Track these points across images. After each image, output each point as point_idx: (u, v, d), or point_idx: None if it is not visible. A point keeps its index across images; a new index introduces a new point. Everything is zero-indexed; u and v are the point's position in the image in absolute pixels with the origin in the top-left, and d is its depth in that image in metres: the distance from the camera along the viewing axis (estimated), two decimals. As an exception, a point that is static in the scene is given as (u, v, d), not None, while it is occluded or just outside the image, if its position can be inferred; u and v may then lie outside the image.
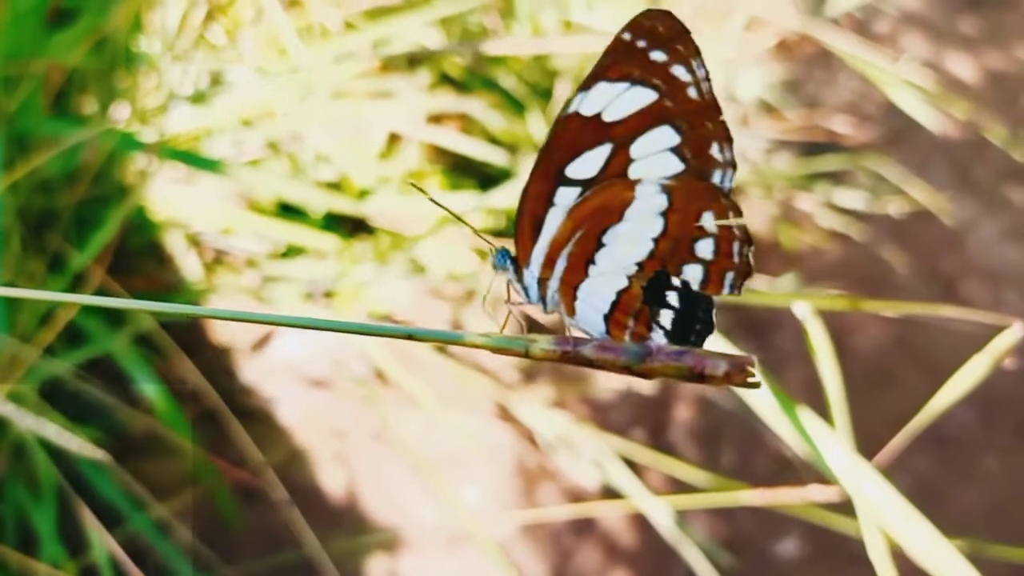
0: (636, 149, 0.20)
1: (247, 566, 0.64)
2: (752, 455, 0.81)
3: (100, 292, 0.58)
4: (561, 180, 0.21)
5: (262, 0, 0.74)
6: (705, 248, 0.21)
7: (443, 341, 0.18)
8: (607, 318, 0.21)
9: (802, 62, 1.16)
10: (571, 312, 0.22)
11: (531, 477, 0.78)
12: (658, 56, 0.20)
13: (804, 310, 0.38)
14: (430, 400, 0.73)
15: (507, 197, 0.81)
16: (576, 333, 0.22)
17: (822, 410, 0.42)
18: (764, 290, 0.89)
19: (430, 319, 0.82)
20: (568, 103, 0.20)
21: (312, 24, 0.79)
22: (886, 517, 0.40)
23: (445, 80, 0.87)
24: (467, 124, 0.86)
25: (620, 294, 0.21)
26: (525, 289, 0.22)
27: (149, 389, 0.62)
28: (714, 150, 0.20)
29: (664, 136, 0.20)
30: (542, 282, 0.22)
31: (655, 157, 0.20)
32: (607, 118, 0.20)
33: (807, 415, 0.40)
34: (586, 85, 0.20)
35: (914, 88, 0.86)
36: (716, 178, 0.20)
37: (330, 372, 0.78)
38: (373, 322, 0.79)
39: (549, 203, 0.21)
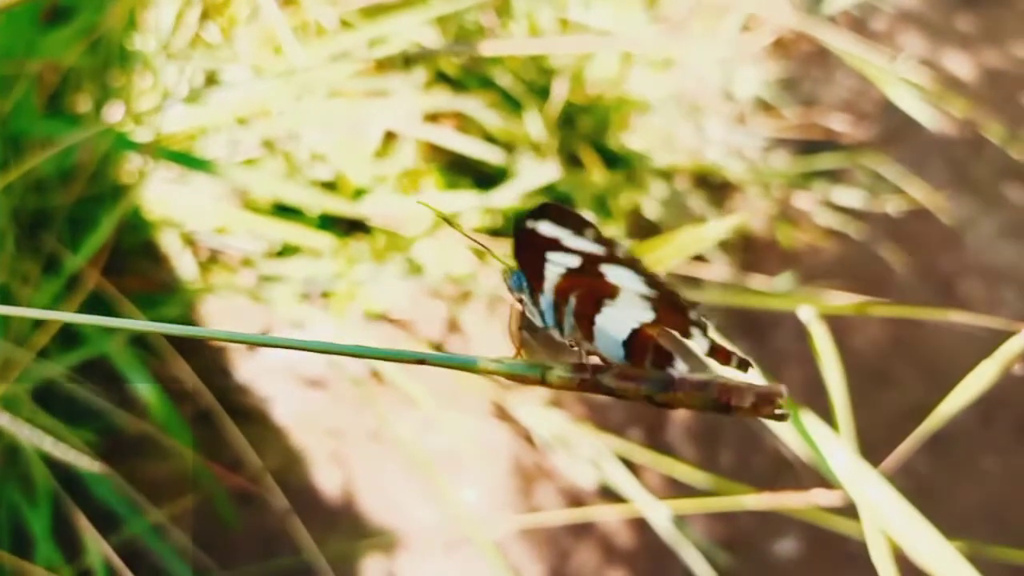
0: (605, 270, 0.20)
1: (244, 570, 0.64)
2: (750, 455, 0.81)
3: (95, 293, 0.58)
4: (546, 259, 0.20)
5: (257, -2, 0.73)
6: (701, 341, 0.21)
7: (456, 367, 0.18)
8: (627, 344, 0.21)
9: (799, 60, 1.16)
10: (589, 339, 0.21)
11: (528, 477, 0.77)
12: (590, 232, 0.19)
13: (808, 314, 0.38)
14: (427, 400, 0.73)
15: (505, 197, 0.80)
16: (594, 359, 0.21)
17: (823, 411, 0.42)
18: (763, 289, 0.89)
19: (427, 319, 0.81)
20: (523, 220, 0.20)
21: (308, 22, 0.79)
22: (888, 520, 0.40)
23: (441, 78, 0.87)
24: (463, 122, 0.85)
25: (635, 331, 0.21)
26: (541, 314, 0.21)
27: (144, 390, 0.61)
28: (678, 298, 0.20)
29: (626, 274, 0.20)
30: (558, 306, 0.21)
31: (625, 280, 0.20)
32: (566, 244, 0.20)
33: (809, 418, 0.40)
34: (534, 216, 0.20)
35: (912, 86, 0.86)
36: (691, 315, 0.20)
37: (326, 372, 0.78)
38: (370, 322, 0.79)
39: (544, 260, 0.20)
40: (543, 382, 0.18)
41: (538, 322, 0.22)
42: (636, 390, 0.19)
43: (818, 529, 0.73)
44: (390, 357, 0.18)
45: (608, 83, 0.91)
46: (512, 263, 0.21)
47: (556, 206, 0.19)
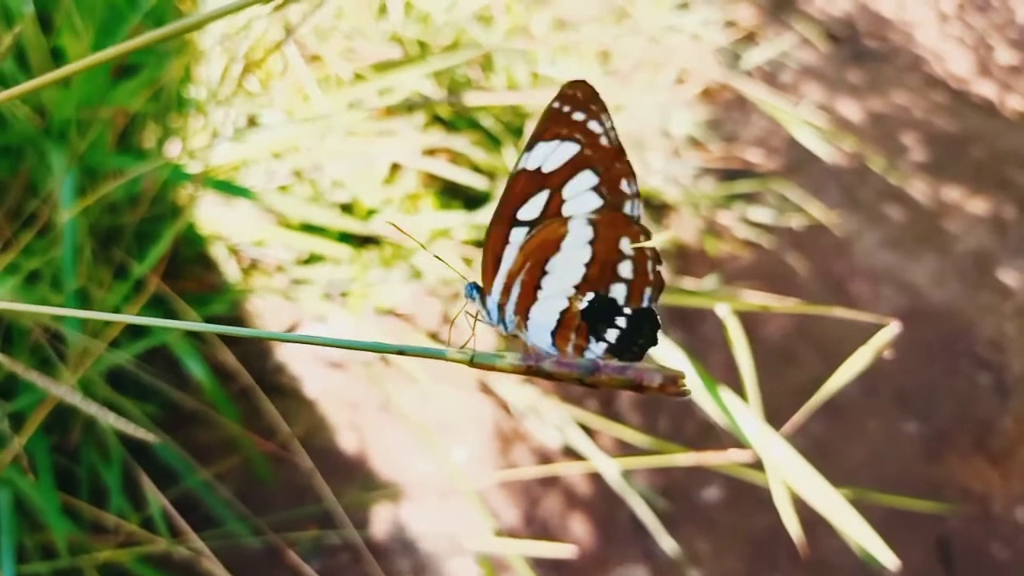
0: (567, 191, 0.21)
1: (277, 517, 0.64)
2: (683, 421, 0.81)
3: (156, 295, 0.57)
4: (514, 223, 0.21)
5: (289, 56, 0.73)
6: (626, 269, 0.21)
7: (428, 356, 0.18)
8: (554, 334, 0.21)
9: (722, 105, 1.16)
10: (525, 330, 0.22)
11: (506, 439, 0.77)
12: (578, 116, 0.20)
13: (724, 310, 0.38)
14: (425, 378, 0.73)
15: (488, 216, 0.80)
16: (534, 348, 0.22)
17: (739, 386, 0.42)
18: (692, 289, 0.89)
19: (426, 313, 0.81)
20: (517, 162, 0.20)
21: (329, 75, 0.79)
22: (789, 472, 0.40)
23: (437, 120, 0.87)
24: (454, 156, 0.85)
25: (563, 314, 0.21)
26: (488, 313, 0.22)
27: (197, 372, 0.61)
28: (623, 185, 0.21)
29: (586, 178, 0.20)
30: (501, 307, 0.22)
31: (581, 196, 0.21)
32: (545, 170, 0.21)
33: (726, 393, 0.40)
34: (529, 146, 0.21)
35: (811, 126, 0.87)
36: (628, 208, 0.21)
37: (344, 356, 0.77)
38: (380, 316, 0.79)
39: (506, 242, 0.21)
40: (496, 368, 0.18)
41: (486, 321, 0.22)
42: (570, 374, 0.19)
43: (736, 480, 0.73)
44: (375, 349, 0.18)
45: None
46: (469, 279, 0.22)
47: (576, 80, 0.20)
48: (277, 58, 0.75)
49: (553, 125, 0.20)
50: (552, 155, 0.20)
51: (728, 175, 1.05)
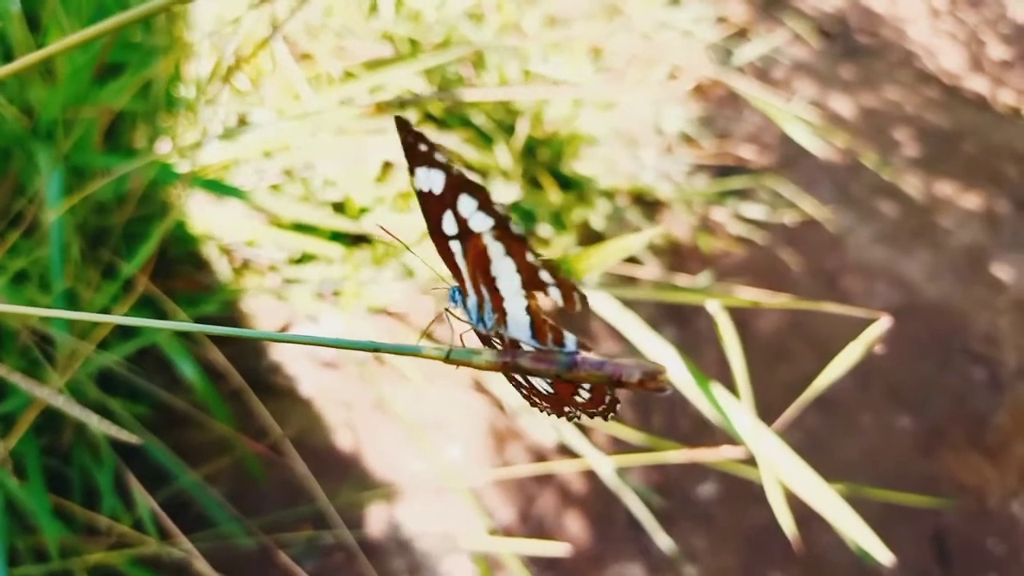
0: (462, 211, 0.20)
1: (269, 518, 0.63)
2: (677, 417, 0.81)
3: (145, 295, 0.57)
4: (445, 237, 0.20)
5: (278, 54, 0.73)
6: (547, 276, 0.20)
7: (403, 354, 0.17)
8: (531, 325, 0.21)
9: (715, 102, 1.16)
10: (504, 325, 0.21)
11: (501, 437, 0.77)
12: (424, 147, 0.19)
13: (715, 306, 0.38)
14: (418, 376, 0.73)
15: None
16: (520, 342, 0.21)
17: (732, 383, 0.42)
18: (685, 285, 0.89)
19: (418, 312, 0.81)
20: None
21: (320, 73, 0.78)
22: (782, 468, 0.40)
23: (429, 118, 0.87)
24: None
25: (528, 309, 0.20)
26: (469, 314, 0.22)
27: (188, 373, 0.61)
28: (497, 207, 0.20)
29: (468, 201, 0.20)
30: (480, 305, 0.21)
31: (474, 216, 0.20)
32: (436, 192, 0.20)
33: (719, 389, 0.40)
34: (410, 171, 0.20)
35: (803, 122, 0.86)
36: (514, 228, 0.20)
37: (338, 355, 0.77)
38: (372, 315, 0.78)
39: (451, 253, 0.20)
40: (473, 365, 0.18)
41: (467, 320, 0.22)
42: (547, 370, 0.18)
43: (731, 476, 0.73)
44: (349, 346, 0.18)
45: (562, 121, 0.90)
46: (451, 283, 0.21)
47: (402, 121, 0.19)
48: (267, 56, 0.74)
49: (413, 158, 0.19)
50: (430, 180, 0.20)
51: (721, 171, 1.05)
